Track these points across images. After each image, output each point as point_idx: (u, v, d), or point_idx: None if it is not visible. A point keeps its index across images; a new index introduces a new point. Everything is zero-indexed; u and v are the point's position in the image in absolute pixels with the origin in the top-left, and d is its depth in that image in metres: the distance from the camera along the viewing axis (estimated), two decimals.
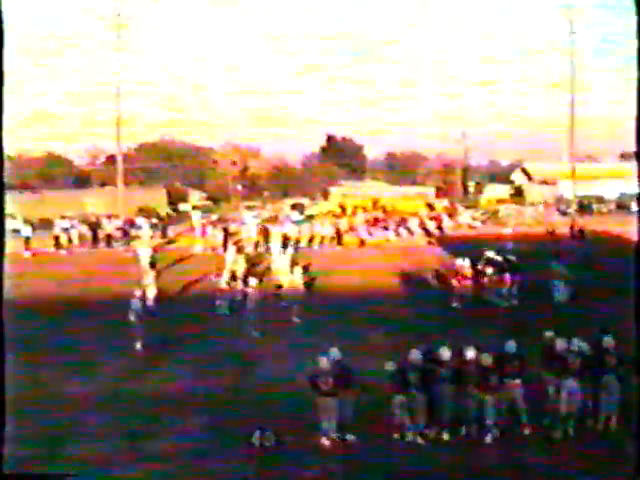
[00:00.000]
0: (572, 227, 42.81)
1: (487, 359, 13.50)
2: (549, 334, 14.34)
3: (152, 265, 26.76)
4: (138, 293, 21.29)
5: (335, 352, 13.86)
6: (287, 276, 26.34)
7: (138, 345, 20.19)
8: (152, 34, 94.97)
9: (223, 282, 24.83)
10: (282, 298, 24.80)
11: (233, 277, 26.26)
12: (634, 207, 58.65)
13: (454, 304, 24.12)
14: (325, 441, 13.37)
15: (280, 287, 26.25)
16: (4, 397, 8.94)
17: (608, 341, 13.79)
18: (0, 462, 9.24)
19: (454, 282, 24.51)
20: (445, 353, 13.68)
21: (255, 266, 31.31)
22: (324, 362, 13.52)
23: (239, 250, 31.53)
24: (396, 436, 13.54)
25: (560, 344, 13.82)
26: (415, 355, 13.68)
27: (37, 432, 13.91)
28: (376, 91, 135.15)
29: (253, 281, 23.50)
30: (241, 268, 28.29)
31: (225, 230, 39.70)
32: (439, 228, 45.08)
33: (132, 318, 20.53)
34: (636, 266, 10.14)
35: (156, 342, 20.63)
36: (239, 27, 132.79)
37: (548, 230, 44.18)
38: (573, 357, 13.57)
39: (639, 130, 9.28)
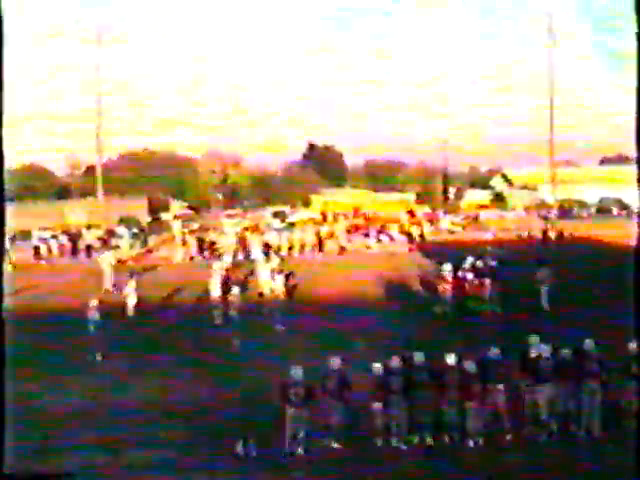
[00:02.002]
0: (545, 231, 43.45)
1: (470, 366, 13.44)
2: (530, 339, 14.25)
3: (131, 274, 26.54)
4: (94, 303, 20.97)
5: (336, 361, 13.75)
6: (269, 284, 26.14)
7: (98, 356, 19.86)
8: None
9: (213, 291, 24.31)
10: (264, 306, 24.62)
11: (221, 285, 25.86)
12: (615, 211, 59.49)
13: (437, 310, 24.02)
14: (287, 451, 13.24)
15: (262, 295, 26.10)
16: (4, 400, 8.84)
17: (589, 346, 13.73)
18: (0, 462, 9.10)
19: (440, 288, 24.34)
20: (426, 359, 13.61)
21: (237, 275, 31.16)
22: (296, 373, 13.44)
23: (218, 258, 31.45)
24: (379, 443, 13.45)
25: (533, 350, 13.78)
26: (397, 361, 13.60)
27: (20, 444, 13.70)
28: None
29: (235, 289, 23.30)
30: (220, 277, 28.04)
31: (200, 239, 39.89)
32: (420, 234, 45.20)
33: (91, 329, 20.31)
34: (636, 270, 10.00)
35: (137, 351, 20.42)
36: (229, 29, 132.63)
37: (524, 235, 44.80)
38: (545, 362, 13.53)
39: (639, 133, 9.20)
